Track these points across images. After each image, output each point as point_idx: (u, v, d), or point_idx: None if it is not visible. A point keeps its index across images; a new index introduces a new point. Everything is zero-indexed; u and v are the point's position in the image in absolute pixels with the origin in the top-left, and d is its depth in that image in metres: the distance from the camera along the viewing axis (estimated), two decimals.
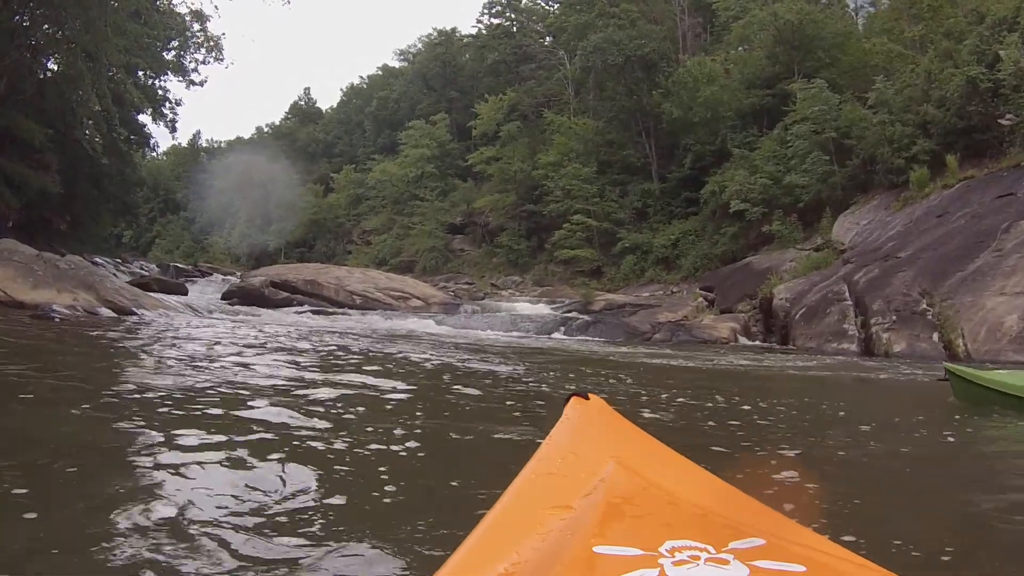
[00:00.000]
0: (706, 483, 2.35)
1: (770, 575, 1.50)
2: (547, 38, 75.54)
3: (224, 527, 4.11)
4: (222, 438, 6.24)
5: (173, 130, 64.15)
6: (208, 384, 9.52)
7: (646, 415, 9.16)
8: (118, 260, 57.01)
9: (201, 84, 63.60)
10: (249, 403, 8.06)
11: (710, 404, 11.12)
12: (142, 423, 6.91)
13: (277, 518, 4.37)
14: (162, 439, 6.13)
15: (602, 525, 1.84)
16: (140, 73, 55.63)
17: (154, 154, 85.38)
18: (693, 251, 48.38)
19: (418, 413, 8.71)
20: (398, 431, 7.06)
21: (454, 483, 5.45)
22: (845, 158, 40.48)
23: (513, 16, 74.58)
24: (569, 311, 37.60)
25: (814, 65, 46.46)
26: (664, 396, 11.88)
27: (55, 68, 43.94)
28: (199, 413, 7.43)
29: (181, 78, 60.90)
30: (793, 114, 43.48)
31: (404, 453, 6.14)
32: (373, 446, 6.32)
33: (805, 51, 47.33)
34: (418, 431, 7.40)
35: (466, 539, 1.79)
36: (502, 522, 1.90)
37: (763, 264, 38.75)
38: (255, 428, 6.69)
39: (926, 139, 35.92)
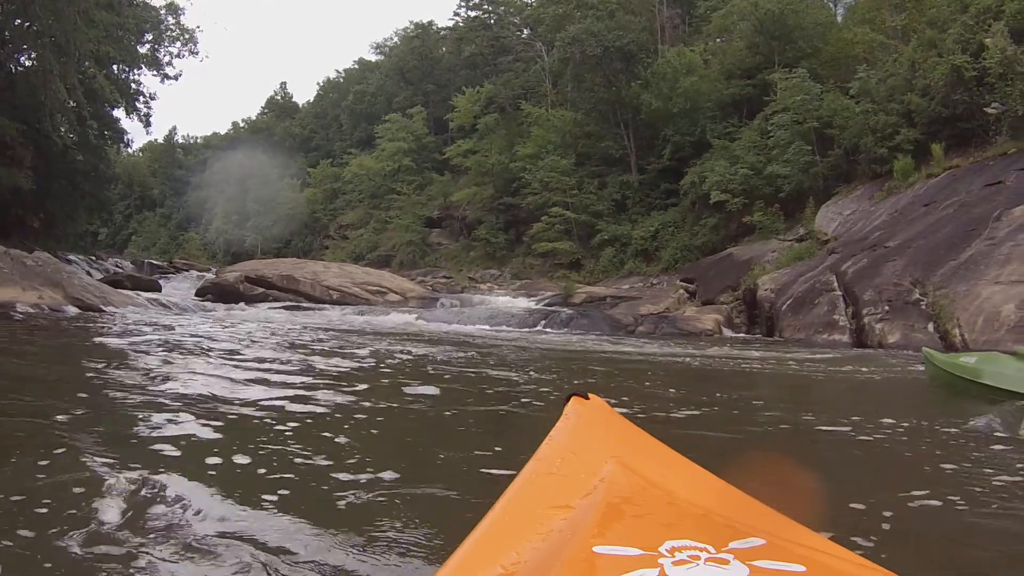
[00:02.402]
0: (706, 483, 2.33)
1: (770, 575, 1.49)
2: (524, 30, 75.35)
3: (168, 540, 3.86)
4: (170, 446, 5.80)
5: (147, 125, 63.83)
6: (158, 387, 9.11)
7: (642, 413, 8.80)
8: (92, 257, 56.59)
9: (176, 78, 63.45)
10: (201, 411, 7.49)
11: (706, 400, 10.90)
12: (70, 434, 6.53)
13: (245, 532, 4.06)
14: (99, 446, 5.72)
15: (602, 525, 1.85)
16: (114, 67, 55.23)
17: (129, 150, 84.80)
18: (673, 243, 48.07)
19: (394, 417, 8.21)
20: (371, 436, 6.59)
21: (435, 490, 4.97)
22: (827, 148, 40.37)
23: (490, 8, 74.23)
24: (550, 304, 37.31)
25: (795, 55, 46.39)
26: (658, 392, 11.73)
27: (27, 63, 43.46)
28: (140, 420, 6.97)
29: (155, 72, 60.89)
30: (774, 104, 43.48)
31: (375, 463, 5.60)
32: (344, 454, 5.84)
33: (786, 41, 47.19)
34: (393, 437, 6.91)
35: (466, 539, 1.75)
36: (502, 522, 1.87)
37: (744, 255, 38.63)
38: (210, 439, 6.17)
39: (910, 128, 35.74)
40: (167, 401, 8.03)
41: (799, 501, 4.57)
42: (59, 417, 7.20)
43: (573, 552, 1.63)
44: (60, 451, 5.77)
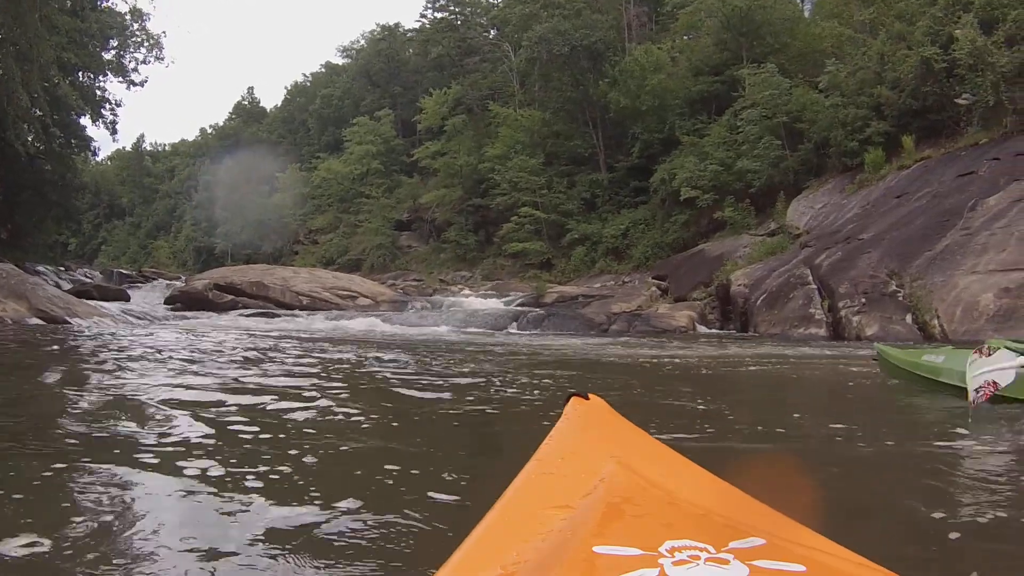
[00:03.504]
0: (706, 483, 2.29)
1: (770, 575, 1.46)
2: (491, 31, 75.37)
3: None
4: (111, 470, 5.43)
5: (114, 132, 63.70)
6: (107, 402, 8.69)
7: (634, 414, 8.48)
8: (62, 268, 56.15)
9: (142, 84, 62.86)
10: (149, 429, 6.99)
11: (696, 400, 10.59)
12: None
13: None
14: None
15: (602, 525, 1.82)
16: (79, 74, 54.93)
17: (96, 159, 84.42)
18: (643, 240, 48.27)
19: (360, 432, 7.74)
20: (334, 456, 6.16)
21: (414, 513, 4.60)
22: (797, 142, 40.59)
23: (457, 9, 74.11)
24: (522, 305, 37.16)
25: (763, 51, 46.50)
26: (644, 393, 11.49)
27: None
28: (80, 438, 6.59)
29: (121, 78, 60.38)
30: (742, 100, 43.62)
31: (335, 490, 5.08)
32: (302, 477, 5.42)
33: (753, 37, 47.34)
34: (358, 456, 6.49)
35: (466, 539, 1.71)
36: (502, 522, 1.85)
37: (716, 251, 38.73)
38: (159, 457, 5.79)
39: (880, 121, 36.04)
40: (112, 420, 7.61)
41: (798, 502, 4.40)
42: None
43: (573, 552, 1.60)
44: None
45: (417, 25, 78.73)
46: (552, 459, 2.29)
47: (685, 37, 57.07)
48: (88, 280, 49.48)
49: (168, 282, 57.01)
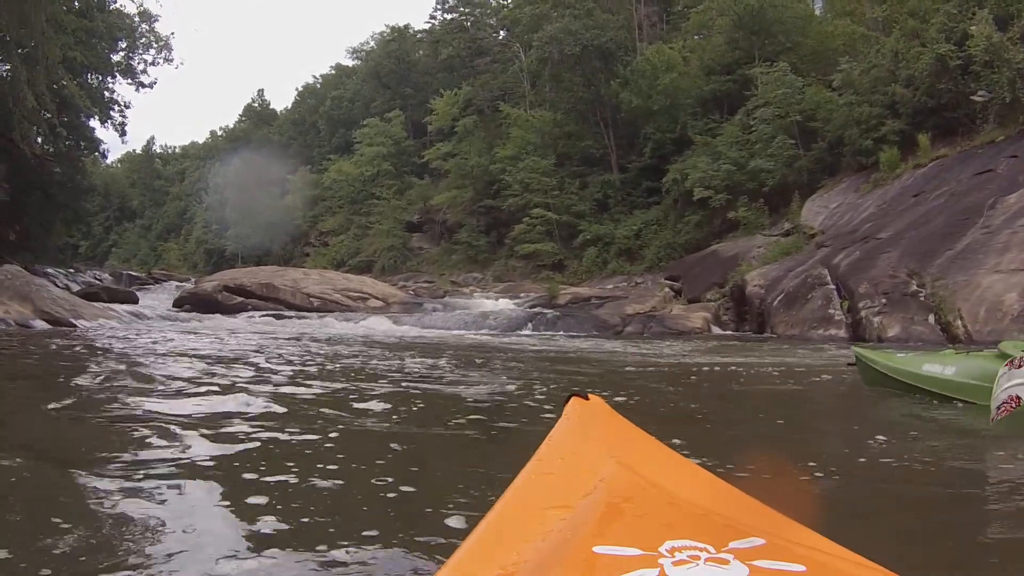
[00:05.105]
0: (706, 483, 2.34)
1: (770, 575, 1.49)
2: (501, 32, 75.45)
3: None
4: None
5: (123, 134, 63.63)
6: (90, 412, 8.43)
7: (640, 416, 8.26)
8: (71, 270, 56.14)
9: (151, 86, 62.95)
10: (144, 444, 6.61)
11: (706, 402, 10.69)
12: None
13: None
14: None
15: (602, 525, 1.87)
16: (87, 76, 55.00)
17: (106, 161, 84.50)
18: (656, 241, 48.26)
19: (371, 446, 7.36)
20: (344, 477, 5.85)
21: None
22: (811, 141, 40.49)
23: (466, 10, 74.20)
24: (535, 306, 36.98)
25: (775, 49, 46.40)
26: (657, 396, 11.36)
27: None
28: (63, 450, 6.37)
29: (130, 80, 60.55)
30: (755, 99, 43.49)
31: (351, 520, 4.68)
32: (311, 501, 5.11)
33: (765, 36, 47.27)
34: (370, 476, 6.17)
35: (466, 539, 1.73)
36: (502, 522, 1.86)
37: (730, 251, 38.54)
38: (148, 477, 5.48)
39: (895, 119, 35.84)
40: (99, 433, 7.33)
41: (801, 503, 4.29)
42: None
43: (573, 552, 1.63)
44: None
45: (427, 26, 79.53)
46: (552, 459, 2.33)
47: (696, 36, 57.07)
48: (97, 282, 49.52)
49: (178, 284, 57.10)
